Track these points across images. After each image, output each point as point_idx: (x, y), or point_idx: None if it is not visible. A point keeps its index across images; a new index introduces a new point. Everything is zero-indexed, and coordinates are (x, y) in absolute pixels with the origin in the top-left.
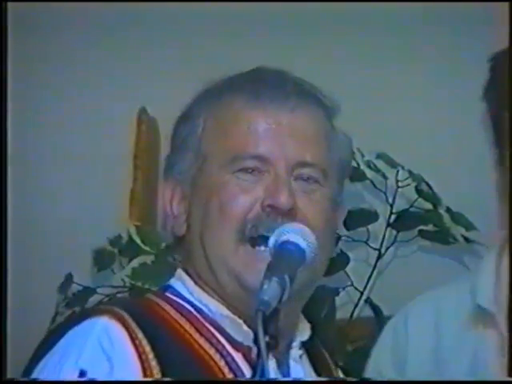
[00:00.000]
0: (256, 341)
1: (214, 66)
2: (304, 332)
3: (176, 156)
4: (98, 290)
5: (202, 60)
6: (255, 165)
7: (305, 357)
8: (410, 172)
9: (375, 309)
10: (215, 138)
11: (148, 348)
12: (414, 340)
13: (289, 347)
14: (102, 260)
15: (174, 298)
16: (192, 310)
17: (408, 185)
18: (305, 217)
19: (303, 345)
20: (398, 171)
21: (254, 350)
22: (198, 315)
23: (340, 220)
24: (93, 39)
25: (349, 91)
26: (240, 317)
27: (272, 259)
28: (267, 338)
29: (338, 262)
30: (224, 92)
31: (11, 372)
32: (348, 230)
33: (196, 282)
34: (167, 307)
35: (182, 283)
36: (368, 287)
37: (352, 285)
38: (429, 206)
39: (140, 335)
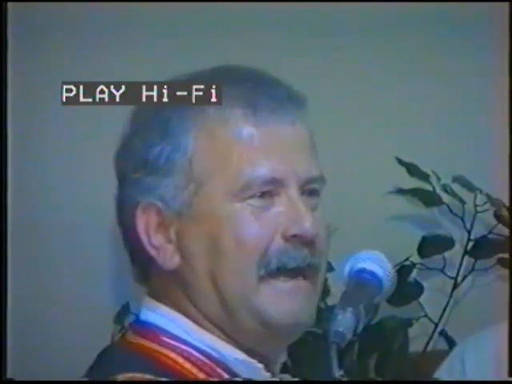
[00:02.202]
0: (329, 375)
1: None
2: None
3: (155, 179)
4: None
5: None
6: (267, 188)
7: None
8: (488, 196)
9: (450, 342)
10: (212, 160)
11: None
12: (472, 377)
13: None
14: None
15: (176, 343)
16: (200, 356)
17: (487, 210)
18: (319, 239)
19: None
20: (475, 195)
21: None
22: (208, 361)
23: None
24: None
25: (421, 113)
26: (260, 361)
27: (347, 288)
28: (341, 372)
29: (411, 292)
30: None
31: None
32: (422, 257)
33: (198, 323)
34: (178, 359)
35: (172, 323)
36: (443, 318)
37: (426, 316)
38: (509, 232)
39: None
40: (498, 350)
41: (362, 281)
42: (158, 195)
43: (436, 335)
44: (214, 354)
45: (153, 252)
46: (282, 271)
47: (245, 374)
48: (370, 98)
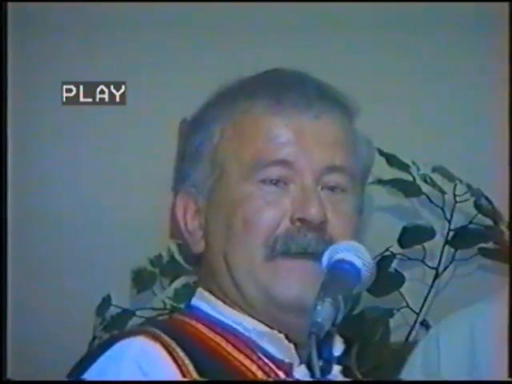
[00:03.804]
0: (309, 365)
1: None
2: (338, 346)
3: (188, 166)
4: (138, 313)
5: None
6: (279, 173)
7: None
8: (468, 186)
9: None
10: (233, 147)
11: (191, 367)
12: (447, 359)
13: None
14: (141, 281)
15: (204, 316)
16: (225, 328)
17: (467, 200)
18: (334, 229)
19: (339, 361)
20: (455, 185)
21: (296, 368)
22: (234, 332)
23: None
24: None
25: (401, 103)
26: (280, 331)
27: (325, 279)
28: (321, 363)
29: (392, 282)
30: (240, 97)
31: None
32: (403, 247)
33: (224, 302)
34: (199, 326)
35: (206, 303)
36: (424, 308)
37: (407, 306)
38: (489, 222)
39: (181, 354)
40: (472, 329)
41: (340, 271)
42: (191, 182)
43: (417, 325)
44: (238, 327)
45: (187, 236)
46: (288, 254)
47: (267, 345)
48: (349, 87)
